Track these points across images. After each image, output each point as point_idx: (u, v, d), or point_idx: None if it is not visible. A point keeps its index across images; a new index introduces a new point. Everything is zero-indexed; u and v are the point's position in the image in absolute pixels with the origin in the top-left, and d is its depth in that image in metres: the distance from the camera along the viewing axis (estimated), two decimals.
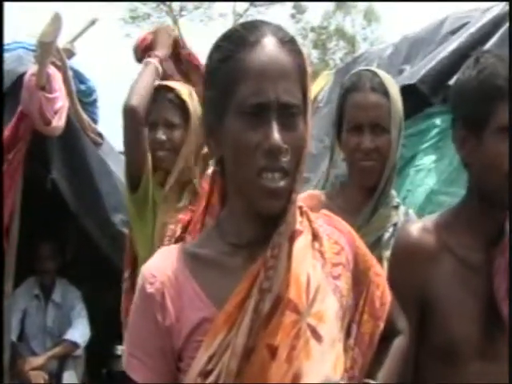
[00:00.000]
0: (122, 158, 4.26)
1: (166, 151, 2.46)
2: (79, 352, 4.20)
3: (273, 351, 1.11)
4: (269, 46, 1.13)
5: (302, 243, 1.19)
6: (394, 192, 1.99)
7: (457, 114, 1.62)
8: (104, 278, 3.81)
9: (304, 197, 1.95)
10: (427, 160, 3.36)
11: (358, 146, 1.89)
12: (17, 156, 3.45)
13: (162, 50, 2.57)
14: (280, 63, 1.13)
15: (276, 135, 1.11)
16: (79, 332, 4.15)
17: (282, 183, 1.12)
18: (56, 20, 3.14)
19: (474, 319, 1.56)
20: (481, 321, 1.57)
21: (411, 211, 2.00)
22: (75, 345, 4.13)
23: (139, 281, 1.20)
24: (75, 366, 4.19)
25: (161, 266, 1.20)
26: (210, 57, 1.19)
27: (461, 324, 1.56)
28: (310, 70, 1.17)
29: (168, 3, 21.04)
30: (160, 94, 2.47)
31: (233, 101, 1.13)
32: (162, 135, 2.44)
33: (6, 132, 3.40)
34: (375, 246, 1.85)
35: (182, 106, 2.47)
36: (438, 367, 1.57)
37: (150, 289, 1.17)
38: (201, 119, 1.24)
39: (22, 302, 4.20)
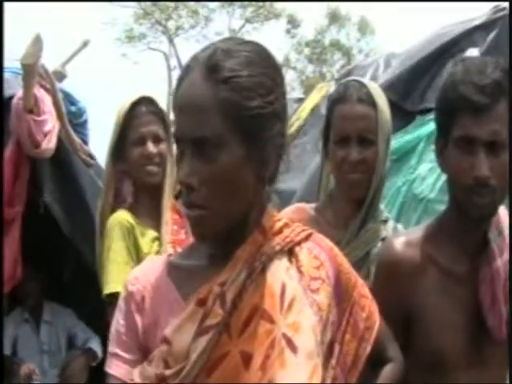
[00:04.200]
0: None
1: (156, 166, 2.38)
2: None
3: (246, 358, 1.13)
4: (192, 78, 1.15)
5: (275, 258, 1.20)
6: (382, 206, 1.96)
7: (436, 123, 1.60)
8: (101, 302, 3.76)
9: (291, 210, 1.94)
10: (422, 168, 3.35)
11: (345, 158, 1.85)
12: (23, 187, 3.44)
13: None
14: (195, 97, 1.14)
15: (185, 169, 1.15)
16: (97, 342, 4.02)
17: (196, 215, 1.15)
18: (37, 41, 3.13)
19: (460, 329, 1.56)
20: (467, 331, 1.56)
21: (400, 226, 1.96)
22: (95, 355, 3.95)
23: (124, 285, 1.25)
24: None
25: (145, 272, 1.24)
26: None
27: (447, 334, 1.55)
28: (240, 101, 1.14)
29: (163, 23, 21.14)
30: (142, 106, 2.39)
31: None
32: (153, 148, 2.36)
33: (7, 166, 3.39)
34: (364, 260, 1.83)
35: (162, 118, 2.41)
36: (425, 378, 1.56)
37: (131, 288, 1.22)
38: None
39: (12, 327, 4.16)
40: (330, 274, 1.23)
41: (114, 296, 1.49)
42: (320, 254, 1.24)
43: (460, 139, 1.49)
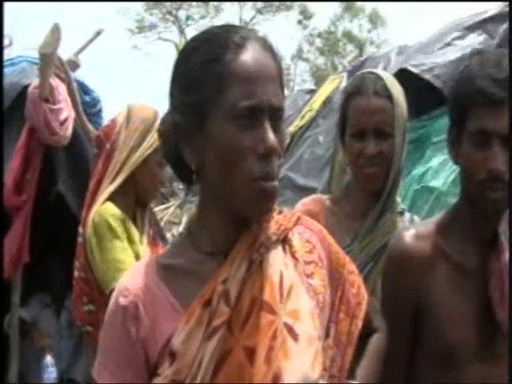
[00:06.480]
0: None
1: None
2: None
3: (250, 353, 1.11)
4: (254, 49, 1.13)
5: (272, 248, 1.18)
6: (398, 198, 1.96)
7: (449, 115, 1.60)
8: None
9: (307, 201, 1.95)
10: (435, 161, 3.36)
11: (361, 151, 1.85)
12: (34, 174, 3.47)
13: None
14: (267, 67, 1.13)
15: (272, 137, 1.11)
16: None
17: (275, 184, 1.12)
18: (55, 31, 3.15)
19: (471, 323, 1.55)
20: (477, 324, 1.56)
21: (416, 218, 1.97)
22: None
23: (113, 295, 1.19)
24: None
25: (134, 279, 1.18)
26: (188, 58, 1.16)
27: (458, 328, 1.55)
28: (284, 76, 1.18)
29: (174, 13, 21.11)
30: None
31: (220, 105, 1.11)
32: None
33: (18, 153, 3.42)
34: (381, 252, 1.83)
35: None
36: (437, 372, 1.56)
37: (123, 302, 1.16)
38: (167, 125, 1.20)
39: (35, 309, 4.28)
40: (322, 256, 1.23)
41: None
42: (311, 237, 1.24)
43: (475, 132, 1.49)
